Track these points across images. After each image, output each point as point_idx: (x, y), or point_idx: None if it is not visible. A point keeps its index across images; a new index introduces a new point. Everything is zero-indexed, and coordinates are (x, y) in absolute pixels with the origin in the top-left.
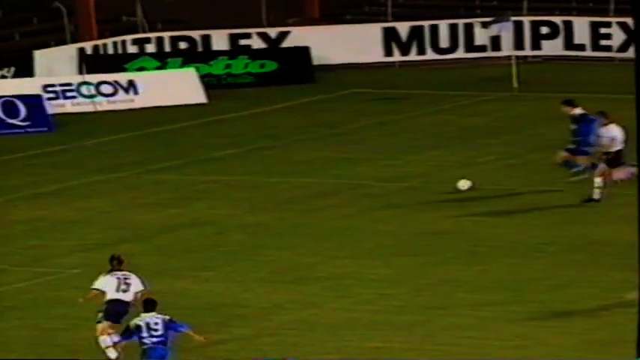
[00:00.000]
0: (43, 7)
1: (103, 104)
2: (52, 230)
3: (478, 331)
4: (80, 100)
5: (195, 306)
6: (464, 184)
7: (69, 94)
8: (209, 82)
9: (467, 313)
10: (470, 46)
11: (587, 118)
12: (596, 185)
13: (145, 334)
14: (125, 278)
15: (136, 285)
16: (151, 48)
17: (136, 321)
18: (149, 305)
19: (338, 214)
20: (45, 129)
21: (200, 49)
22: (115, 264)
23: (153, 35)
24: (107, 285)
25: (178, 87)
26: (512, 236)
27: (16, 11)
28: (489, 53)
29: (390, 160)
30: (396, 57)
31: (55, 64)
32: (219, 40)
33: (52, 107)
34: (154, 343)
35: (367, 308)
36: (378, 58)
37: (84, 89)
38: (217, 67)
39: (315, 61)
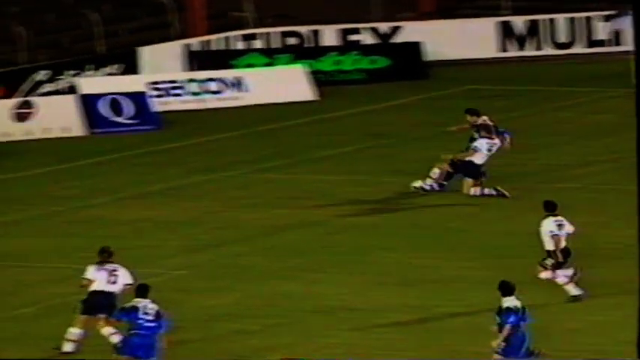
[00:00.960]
0: (149, 2)
1: (210, 102)
2: (158, 231)
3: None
4: (187, 97)
5: (302, 308)
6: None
7: (176, 91)
8: (318, 79)
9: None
10: (589, 41)
11: None
12: None
13: (140, 316)
14: (113, 270)
15: (124, 278)
16: (259, 44)
17: (132, 303)
18: (143, 290)
19: (450, 215)
20: (151, 127)
21: (309, 44)
22: (106, 256)
23: (261, 31)
24: (97, 276)
25: (287, 84)
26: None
27: (123, 7)
28: (609, 48)
29: (506, 159)
30: (512, 52)
31: (162, 61)
32: (329, 35)
33: (159, 105)
34: (146, 326)
35: (470, 311)
36: (493, 53)
37: (191, 86)
38: (327, 64)
39: (428, 57)
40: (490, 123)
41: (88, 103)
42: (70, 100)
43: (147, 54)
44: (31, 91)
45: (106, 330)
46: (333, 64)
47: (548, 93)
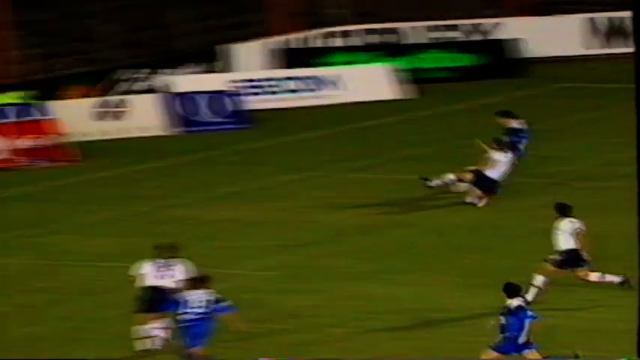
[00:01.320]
0: (238, 0)
1: (301, 100)
2: (247, 230)
3: None
4: (277, 96)
5: (388, 310)
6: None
7: (259, 89)
8: (408, 77)
9: None
10: None
11: None
12: None
13: (187, 309)
14: (170, 266)
15: (180, 272)
16: (347, 42)
17: (184, 295)
18: (199, 282)
19: (540, 215)
20: (243, 125)
21: (396, 42)
22: (170, 252)
23: (349, 28)
24: (148, 271)
25: (375, 82)
26: None
27: (212, 4)
28: None
29: (595, 158)
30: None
31: (247, 59)
32: (419, 32)
33: (250, 103)
34: (194, 319)
35: (564, 314)
36: (592, 50)
37: (282, 85)
38: (417, 61)
39: (525, 54)
40: (518, 126)
41: (177, 101)
42: (155, 98)
43: (232, 52)
44: (118, 90)
45: (152, 325)
46: (426, 62)
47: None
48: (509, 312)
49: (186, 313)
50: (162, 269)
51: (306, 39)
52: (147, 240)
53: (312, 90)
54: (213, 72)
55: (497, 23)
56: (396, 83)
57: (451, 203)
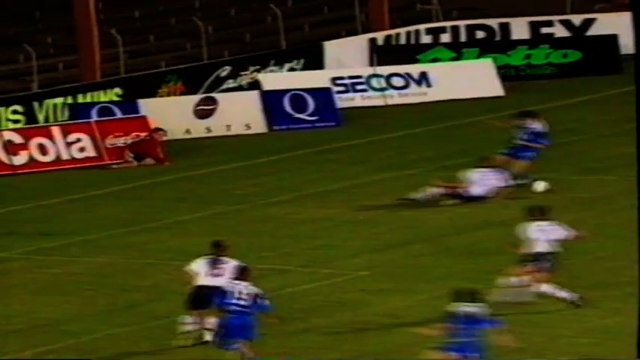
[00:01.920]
0: None
1: (394, 97)
2: (338, 230)
3: None
4: (370, 93)
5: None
6: (540, 187)
7: (359, 87)
8: (507, 74)
9: None
10: None
11: None
12: None
13: (232, 301)
14: (220, 263)
15: (229, 270)
16: (445, 38)
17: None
18: (242, 272)
19: None
20: (334, 123)
21: (498, 38)
22: (219, 250)
23: (448, 24)
24: (200, 268)
25: (474, 79)
26: None
27: (306, 1)
28: None
29: None
30: None
31: (345, 56)
32: (519, 28)
33: (342, 101)
34: (237, 310)
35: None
36: None
37: (374, 82)
38: (516, 58)
39: (624, 51)
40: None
41: (270, 99)
42: (252, 96)
43: (330, 49)
44: (213, 87)
45: (209, 322)
46: (523, 59)
47: None
48: (459, 317)
49: (230, 304)
50: (215, 267)
51: (407, 35)
52: (239, 240)
53: (407, 87)
54: (312, 69)
55: (606, 18)
56: (495, 80)
57: (550, 201)
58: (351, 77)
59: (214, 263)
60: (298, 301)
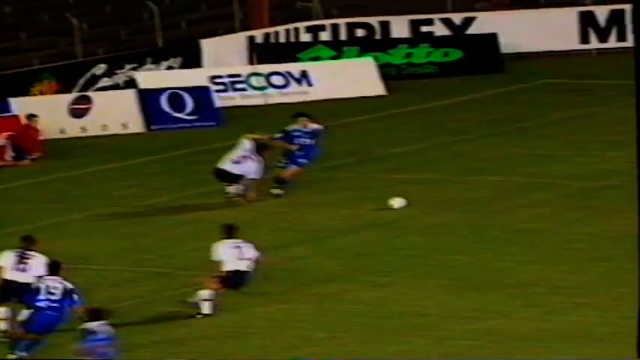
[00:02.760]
0: None
1: (274, 96)
2: (219, 232)
3: None
4: (250, 92)
5: (370, 314)
6: (397, 203)
7: (238, 85)
8: (388, 73)
9: None
10: None
11: None
12: None
13: (41, 297)
14: (26, 257)
15: (36, 265)
16: (325, 36)
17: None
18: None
19: (527, 216)
20: (213, 123)
21: (378, 36)
22: (25, 244)
23: (328, 22)
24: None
25: (355, 78)
26: None
27: None
28: None
29: (586, 156)
30: (594, 44)
31: (224, 54)
32: (400, 26)
33: (221, 100)
34: (48, 307)
35: (559, 318)
36: (574, 45)
37: (254, 81)
38: (397, 57)
39: (504, 49)
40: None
41: (148, 98)
42: (128, 95)
43: (208, 47)
44: (88, 85)
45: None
46: (404, 57)
47: (632, 87)
48: (85, 334)
49: (39, 300)
50: (21, 262)
51: (287, 33)
52: (120, 241)
53: (287, 86)
54: (190, 67)
55: (487, 17)
56: (376, 79)
57: (434, 201)
58: (230, 76)
59: (21, 257)
60: (177, 304)
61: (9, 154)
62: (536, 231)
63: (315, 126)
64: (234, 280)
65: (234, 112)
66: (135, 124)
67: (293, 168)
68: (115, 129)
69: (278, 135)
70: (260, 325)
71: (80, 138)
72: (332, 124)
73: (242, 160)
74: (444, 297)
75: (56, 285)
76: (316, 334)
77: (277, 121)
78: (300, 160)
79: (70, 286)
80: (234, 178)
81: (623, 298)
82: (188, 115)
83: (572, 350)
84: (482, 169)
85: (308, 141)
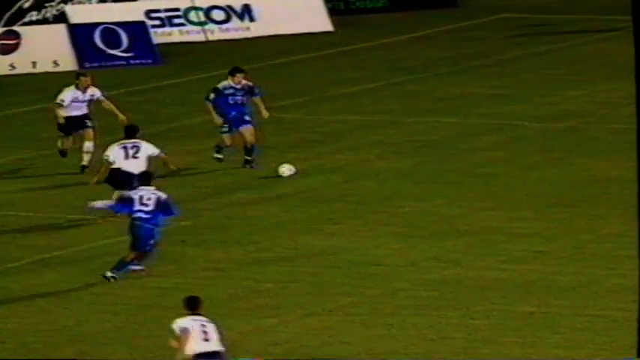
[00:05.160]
0: None
1: (214, 33)
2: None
3: None
4: (189, 27)
5: (321, 264)
6: (287, 170)
7: (176, 20)
8: (335, 8)
9: (635, 274)
10: None
11: None
12: None
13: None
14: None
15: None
16: None
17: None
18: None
19: (484, 159)
20: (150, 61)
21: None
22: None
23: None
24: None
25: (300, 13)
26: None
27: None
28: None
29: (547, 96)
30: None
31: None
32: None
33: (158, 36)
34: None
35: (518, 267)
36: None
37: (193, 15)
38: None
39: None
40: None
41: (80, 33)
42: (59, 30)
43: None
44: (16, 19)
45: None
46: None
47: (595, 22)
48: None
49: (134, 211)
50: (129, 151)
51: None
52: (52, 187)
53: (228, 22)
54: (124, 1)
55: None
56: (323, 14)
57: (385, 144)
58: (167, 10)
59: (130, 147)
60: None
61: None
62: (493, 175)
63: (249, 83)
64: None
65: (173, 49)
66: (67, 61)
67: (247, 128)
68: (45, 66)
69: (212, 95)
70: (203, 277)
71: (8, 76)
72: (275, 63)
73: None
74: (397, 245)
75: (150, 195)
76: (263, 285)
77: (217, 58)
78: (248, 119)
79: (163, 196)
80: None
81: (584, 246)
82: (123, 52)
83: (532, 301)
84: (435, 110)
85: (242, 99)
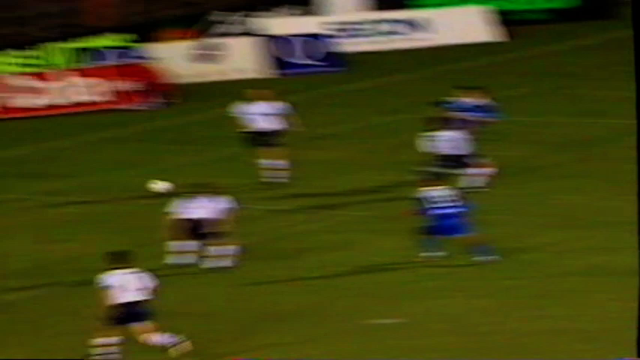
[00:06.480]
0: None
1: (395, 42)
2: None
3: None
4: (373, 38)
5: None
6: (159, 187)
7: (362, 32)
8: (506, 19)
9: None
10: None
11: None
12: None
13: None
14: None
15: None
16: None
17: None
18: None
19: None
20: (337, 68)
21: None
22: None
23: None
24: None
25: (473, 24)
26: None
27: None
28: None
29: None
30: None
31: (347, 2)
32: None
33: (346, 46)
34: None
35: None
36: None
37: (376, 27)
38: (515, 2)
39: None
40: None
41: (275, 44)
42: (256, 41)
43: None
44: (218, 32)
45: None
46: (521, 3)
47: None
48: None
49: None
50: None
51: None
52: (235, 181)
53: (408, 33)
54: (308, 15)
55: None
56: (494, 25)
57: (549, 144)
58: (346, 23)
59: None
60: None
61: (145, 97)
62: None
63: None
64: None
65: (359, 58)
66: (262, 68)
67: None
68: (243, 73)
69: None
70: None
71: (211, 83)
72: (449, 69)
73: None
74: (552, 233)
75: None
76: None
77: (397, 66)
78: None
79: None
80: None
81: None
82: (314, 60)
83: None
84: (594, 112)
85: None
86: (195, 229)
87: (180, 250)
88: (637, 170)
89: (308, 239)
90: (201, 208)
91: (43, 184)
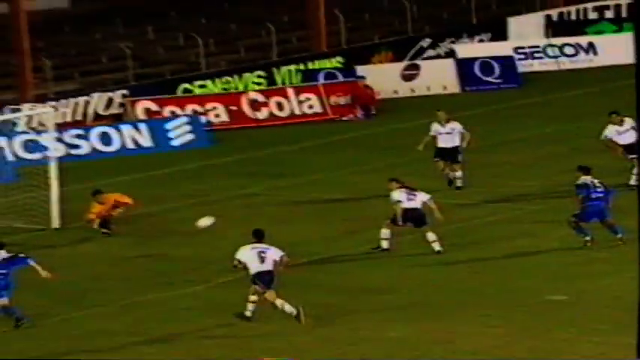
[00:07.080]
0: None
1: (565, 64)
2: (517, 172)
3: None
4: (546, 60)
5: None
6: (204, 222)
7: (536, 54)
8: None
9: None
10: None
11: None
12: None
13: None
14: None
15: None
16: (609, 14)
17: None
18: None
19: None
20: (515, 85)
21: None
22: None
23: (612, 2)
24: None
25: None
26: None
27: None
28: None
29: None
30: None
31: (525, 29)
32: None
33: (522, 66)
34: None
35: None
36: None
37: (549, 51)
38: None
39: None
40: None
41: (463, 65)
42: (448, 63)
43: (513, 23)
44: (416, 55)
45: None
46: None
47: None
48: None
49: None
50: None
51: (577, 11)
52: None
53: (576, 55)
54: (497, 40)
55: None
56: None
57: None
58: (530, 47)
59: (409, 193)
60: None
61: (353, 111)
62: None
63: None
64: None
65: (532, 76)
66: (452, 86)
67: None
68: (436, 90)
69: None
70: None
71: (409, 98)
72: (613, 86)
73: None
74: None
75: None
76: None
77: (567, 83)
78: None
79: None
80: None
81: None
82: (495, 78)
83: None
84: None
85: None
86: (413, 219)
87: (388, 238)
88: (637, 177)
89: (496, 229)
90: (412, 201)
91: (280, 181)
